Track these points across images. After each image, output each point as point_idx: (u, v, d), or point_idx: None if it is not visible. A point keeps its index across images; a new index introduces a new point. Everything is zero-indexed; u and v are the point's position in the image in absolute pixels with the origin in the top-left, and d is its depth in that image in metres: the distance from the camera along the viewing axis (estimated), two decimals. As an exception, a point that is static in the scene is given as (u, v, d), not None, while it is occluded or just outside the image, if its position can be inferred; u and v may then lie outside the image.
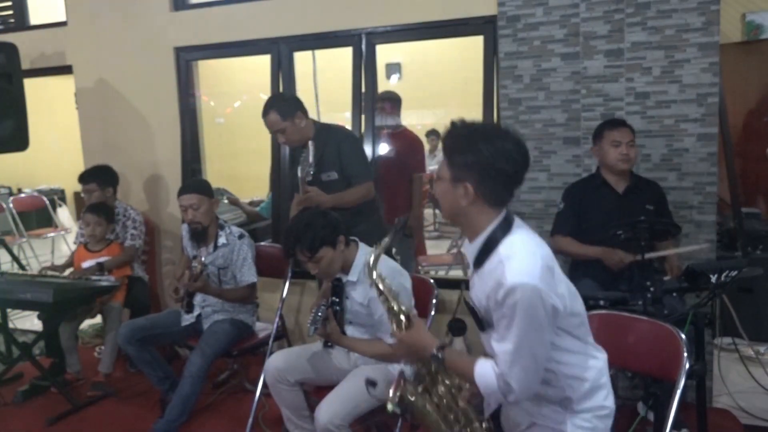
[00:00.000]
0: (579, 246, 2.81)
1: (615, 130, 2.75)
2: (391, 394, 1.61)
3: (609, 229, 2.55)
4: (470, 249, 1.63)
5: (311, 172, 2.86)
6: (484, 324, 1.62)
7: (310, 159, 2.87)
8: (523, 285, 1.45)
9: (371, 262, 1.75)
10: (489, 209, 1.58)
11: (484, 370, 1.55)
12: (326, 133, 3.03)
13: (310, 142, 2.90)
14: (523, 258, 1.50)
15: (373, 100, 3.70)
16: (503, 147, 1.54)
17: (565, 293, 1.57)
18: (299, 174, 2.99)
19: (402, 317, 1.70)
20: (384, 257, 2.51)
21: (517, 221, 1.62)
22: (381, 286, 1.73)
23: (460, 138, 1.58)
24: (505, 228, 1.57)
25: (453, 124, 1.62)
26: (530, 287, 1.45)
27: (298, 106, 3.00)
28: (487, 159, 1.52)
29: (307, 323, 2.45)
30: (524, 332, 1.47)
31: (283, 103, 2.97)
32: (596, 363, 1.66)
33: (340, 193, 2.92)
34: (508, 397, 1.53)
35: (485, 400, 1.68)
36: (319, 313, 2.44)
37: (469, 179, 1.54)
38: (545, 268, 1.51)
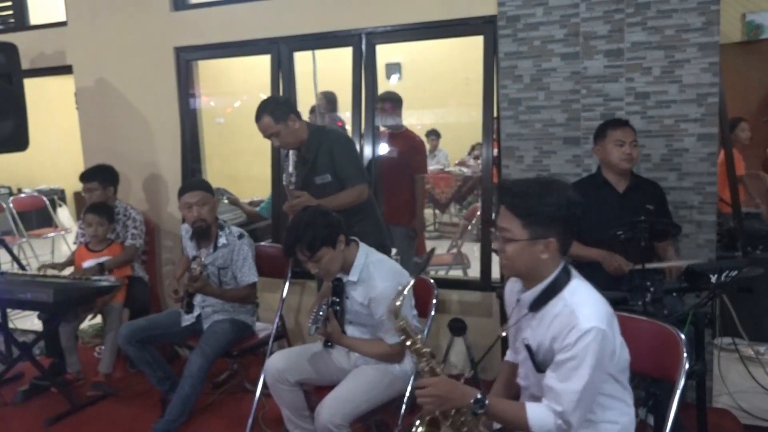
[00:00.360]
0: (580, 247, 2.79)
1: (618, 129, 2.75)
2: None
3: (609, 229, 2.55)
4: (528, 295, 1.69)
5: (293, 180, 2.87)
6: (542, 366, 1.66)
7: (290, 169, 2.88)
8: (597, 329, 1.54)
9: (396, 307, 1.83)
10: (558, 258, 1.66)
11: (540, 412, 1.60)
12: (320, 135, 3.02)
13: (290, 152, 2.90)
14: (593, 304, 1.60)
15: (373, 100, 3.70)
16: (570, 196, 1.63)
17: (618, 340, 1.66)
18: (284, 182, 2.99)
19: (433, 361, 1.77)
20: (385, 258, 2.51)
21: (572, 269, 1.69)
22: (409, 331, 1.81)
23: (529, 197, 1.62)
24: (566, 275, 1.67)
25: (508, 185, 1.69)
26: (602, 331, 1.55)
27: (291, 109, 3.00)
28: (565, 210, 1.61)
29: (308, 323, 2.45)
30: (591, 374, 1.55)
31: (275, 107, 2.96)
32: (630, 411, 1.74)
33: (329, 198, 2.90)
34: None
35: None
36: (320, 313, 2.44)
37: (551, 234, 1.61)
38: (610, 314, 1.62)
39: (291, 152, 2.91)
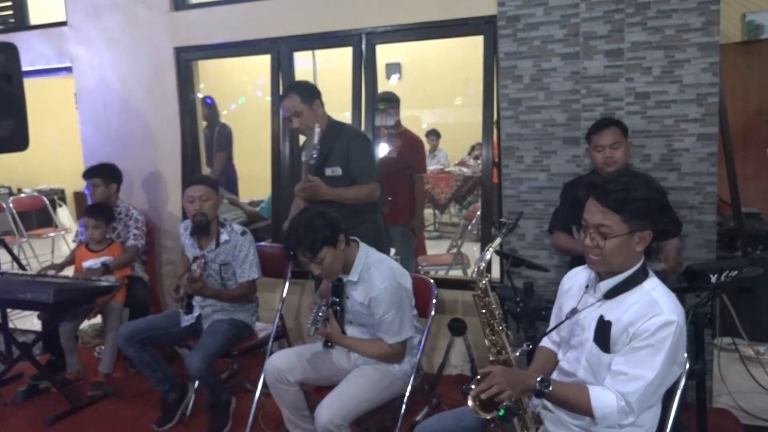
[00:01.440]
0: (575, 242, 2.79)
1: (597, 134, 2.68)
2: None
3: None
4: (606, 283, 1.72)
5: (314, 155, 2.83)
6: (611, 347, 1.67)
7: (315, 140, 2.83)
8: (678, 323, 1.60)
9: (484, 263, 1.79)
10: (642, 252, 1.69)
11: (603, 394, 1.63)
12: (338, 129, 3.04)
13: (317, 125, 2.87)
14: (674, 301, 1.65)
15: (373, 100, 3.70)
16: (655, 184, 1.66)
17: None
18: (303, 158, 2.98)
19: (506, 346, 1.76)
20: (385, 258, 2.51)
21: (648, 269, 1.74)
22: (494, 306, 1.79)
23: (625, 191, 1.63)
24: (644, 271, 1.71)
25: (599, 182, 1.68)
26: (681, 327, 1.61)
27: (318, 95, 3.02)
28: (658, 199, 1.65)
29: (308, 323, 2.45)
30: (662, 365, 1.58)
31: (304, 88, 3.00)
32: (658, 413, 1.75)
33: (343, 188, 2.92)
34: (627, 418, 1.61)
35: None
36: (320, 313, 2.44)
37: (648, 225, 1.65)
38: (684, 316, 1.66)
39: (317, 126, 2.86)
